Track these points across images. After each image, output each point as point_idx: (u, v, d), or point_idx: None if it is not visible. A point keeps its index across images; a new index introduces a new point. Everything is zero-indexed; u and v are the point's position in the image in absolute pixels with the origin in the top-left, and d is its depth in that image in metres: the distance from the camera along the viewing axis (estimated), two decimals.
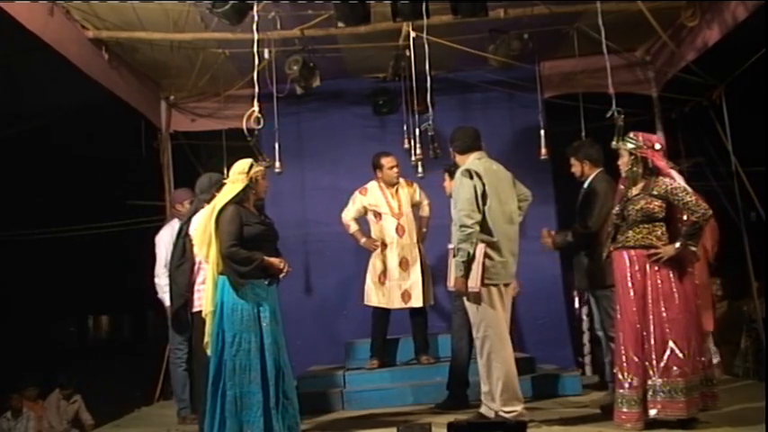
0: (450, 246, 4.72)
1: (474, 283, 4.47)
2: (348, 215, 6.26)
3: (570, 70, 7.08)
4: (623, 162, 4.46)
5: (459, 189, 4.59)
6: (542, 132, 6.37)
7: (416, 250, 6.11)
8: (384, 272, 6.08)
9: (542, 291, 6.50)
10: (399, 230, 6.11)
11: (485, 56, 6.37)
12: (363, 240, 6.23)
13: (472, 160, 4.72)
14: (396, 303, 6.03)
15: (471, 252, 4.45)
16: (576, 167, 5.14)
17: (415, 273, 6.04)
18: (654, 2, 5.87)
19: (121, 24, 6.08)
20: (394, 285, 6.03)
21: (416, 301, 6.00)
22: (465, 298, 4.62)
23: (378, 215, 6.18)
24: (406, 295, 6.03)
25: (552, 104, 7.19)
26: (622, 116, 4.89)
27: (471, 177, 4.54)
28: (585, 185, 5.09)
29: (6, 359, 11.80)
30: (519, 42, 6.17)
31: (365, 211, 6.22)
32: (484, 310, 4.54)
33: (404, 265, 6.06)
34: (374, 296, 6.10)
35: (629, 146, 4.40)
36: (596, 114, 5.94)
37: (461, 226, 4.48)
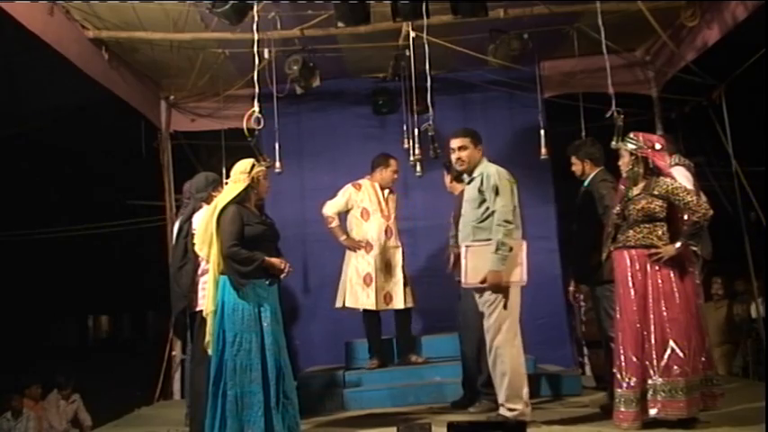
0: (467, 244, 4.65)
1: (519, 277, 4.54)
2: (332, 208, 6.09)
3: (570, 70, 7.07)
4: (624, 162, 4.47)
5: (504, 188, 4.63)
6: (542, 132, 6.36)
7: (400, 253, 6.10)
8: (369, 273, 6.01)
9: (542, 291, 6.48)
10: (388, 232, 6.09)
11: (485, 56, 6.37)
12: (344, 238, 6.09)
13: (489, 163, 4.81)
14: (380, 305, 5.98)
15: (512, 248, 4.51)
16: (576, 166, 5.15)
17: (398, 275, 6.03)
18: (654, 2, 5.87)
19: (121, 24, 6.08)
20: (378, 287, 5.98)
21: (399, 303, 5.98)
22: (486, 292, 4.56)
23: (366, 214, 6.10)
24: (387, 297, 6.01)
25: (552, 104, 7.19)
26: (622, 116, 4.89)
27: (512, 181, 4.68)
28: (585, 184, 5.10)
29: (6, 359, 11.82)
30: (519, 42, 6.16)
31: (351, 206, 6.11)
32: (503, 305, 4.54)
33: (388, 267, 6.04)
34: (361, 298, 5.99)
35: (631, 146, 4.40)
36: (596, 114, 5.95)
37: (505, 221, 4.53)
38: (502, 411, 4.50)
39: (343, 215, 6.17)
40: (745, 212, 6.64)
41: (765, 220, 6.53)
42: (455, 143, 4.81)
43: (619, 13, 5.75)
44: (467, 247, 4.65)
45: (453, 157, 4.82)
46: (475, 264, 4.58)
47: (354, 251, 6.07)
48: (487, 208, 4.61)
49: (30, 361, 12.65)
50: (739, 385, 5.84)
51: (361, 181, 6.21)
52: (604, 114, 5.07)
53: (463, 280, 4.66)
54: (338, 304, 6.11)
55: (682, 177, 4.95)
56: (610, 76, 5.16)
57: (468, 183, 4.82)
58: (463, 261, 4.64)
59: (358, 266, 6.04)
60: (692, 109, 7.17)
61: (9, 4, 5.02)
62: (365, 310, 6.03)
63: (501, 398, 4.51)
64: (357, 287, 6.01)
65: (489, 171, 4.69)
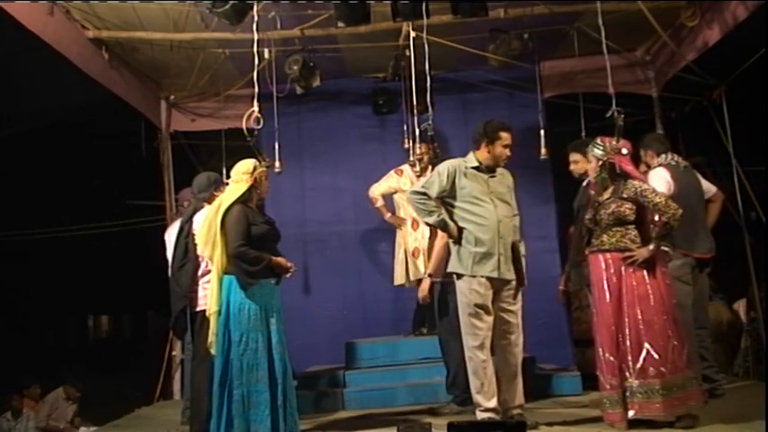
0: (516, 241, 4.60)
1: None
2: (377, 190, 6.51)
3: (570, 70, 7.08)
4: (591, 168, 4.55)
5: None
6: (542, 132, 6.37)
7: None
8: (417, 247, 6.23)
9: (542, 291, 6.47)
10: None
11: (485, 56, 6.37)
12: (388, 216, 6.49)
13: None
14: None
15: None
16: (578, 164, 5.13)
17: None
18: (654, 2, 5.87)
19: (121, 24, 6.08)
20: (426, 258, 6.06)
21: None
22: (519, 292, 4.58)
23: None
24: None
25: (552, 104, 7.19)
26: (622, 116, 4.88)
27: None
28: (585, 183, 5.10)
29: (6, 359, 11.81)
30: (519, 42, 6.17)
31: (395, 190, 6.47)
32: None
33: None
34: (414, 270, 6.24)
35: (597, 152, 4.45)
36: (596, 114, 5.93)
37: None
38: (520, 411, 4.51)
39: (389, 197, 6.54)
40: (745, 212, 6.64)
41: (765, 220, 6.53)
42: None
43: (619, 13, 5.75)
44: (516, 244, 4.57)
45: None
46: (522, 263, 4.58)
47: (399, 227, 6.42)
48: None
49: (30, 361, 12.65)
50: (739, 385, 5.84)
51: (402, 167, 6.49)
52: (604, 114, 5.06)
53: (525, 278, 4.58)
54: (399, 281, 6.41)
55: (657, 179, 4.95)
56: (610, 76, 5.15)
57: (493, 177, 4.67)
58: (523, 259, 4.57)
59: (407, 243, 6.33)
60: (692, 109, 7.17)
61: (9, 4, 5.02)
62: (420, 280, 6.05)
63: (520, 399, 4.52)
64: (410, 261, 6.29)
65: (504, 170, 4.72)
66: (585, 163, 5.08)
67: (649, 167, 5.25)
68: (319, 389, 5.89)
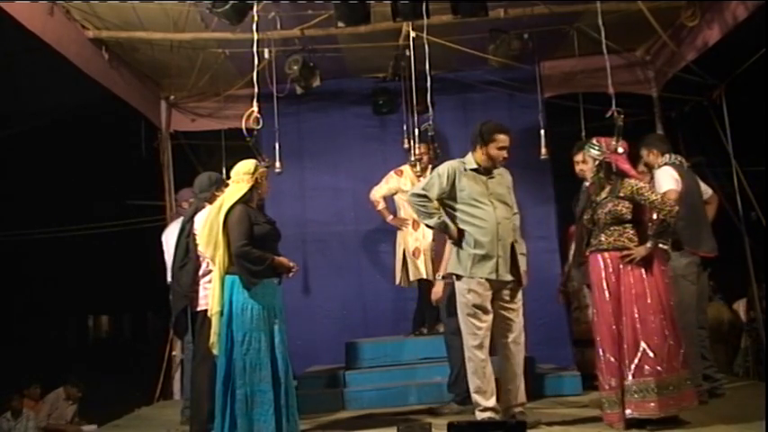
0: (516, 241, 4.63)
1: None
2: (378, 192, 6.50)
3: (570, 70, 7.08)
4: (588, 168, 4.55)
5: None
6: (542, 132, 6.37)
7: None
8: (418, 247, 6.26)
9: (542, 291, 6.48)
10: None
11: (485, 56, 6.37)
12: (391, 218, 6.49)
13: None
14: (431, 274, 6.00)
15: None
16: (585, 164, 5.11)
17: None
18: (654, 2, 5.88)
19: (121, 24, 6.09)
20: (427, 258, 6.10)
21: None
22: (520, 292, 4.62)
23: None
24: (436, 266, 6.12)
25: (552, 104, 7.19)
26: (622, 116, 4.89)
27: None
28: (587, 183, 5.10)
29: (6, 359, 11.82)
30: (519, 42, 6.16)
31: (395, 191, 6.47)
32: None
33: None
34: (414, 270, 6.26)
35: (594, 152, 4.46)
36: (596, 114, 5.94)
37: None
38: (522, 410, 4.52)
39: (389, 198, 6.54)
40: (745, 212, 6.64)
41: (765, 220, 6.53)
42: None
43: (619, 13, 5.75)
44: (515, 244, 4.59)
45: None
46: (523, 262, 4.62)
47: (400, 228, 6.42)
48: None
49: (30, 361, 12.65)
50: (739, 385, 5.84)
51: (402, 167, 6.50)
52: (604, 114, 5.06)
53: (524, 278, 4.61)
54: (398, 281, 6.44)
55: (666, 176, 4.95)
56: (610, 76, 5.15)
57: (491, 178, 4.68)
58: (521, 258, 4.58)
59: (408, 243, 6.34)
60: (692, 109, 7.18)
61: (9, 4, 5.02)
62: (420, 281, 6.23)
63: (522, 398, 4.54)
64: (410, 261, 6.31)
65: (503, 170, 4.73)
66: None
67: (650, 167, 5.25)
68: (319, 389, 5.88)
